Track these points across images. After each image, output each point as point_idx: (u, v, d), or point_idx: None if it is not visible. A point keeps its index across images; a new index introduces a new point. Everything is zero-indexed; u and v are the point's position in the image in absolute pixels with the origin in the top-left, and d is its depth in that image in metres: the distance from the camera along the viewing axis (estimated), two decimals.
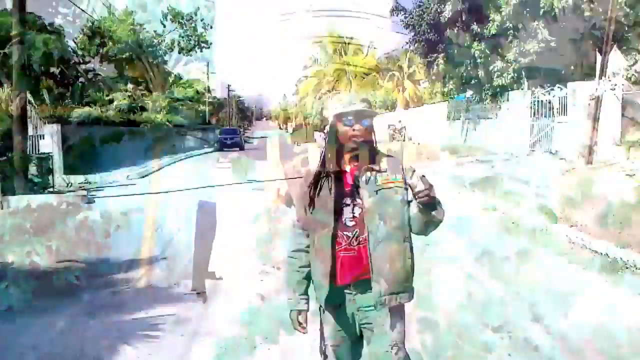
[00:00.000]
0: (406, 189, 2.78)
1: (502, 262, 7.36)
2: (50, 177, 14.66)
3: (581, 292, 6.32)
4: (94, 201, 13.71)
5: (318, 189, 2.82)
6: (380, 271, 2.73)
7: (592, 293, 6.30)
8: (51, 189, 14.55)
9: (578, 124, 15.12)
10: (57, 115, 18.82)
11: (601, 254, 7.61)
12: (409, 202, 2.80)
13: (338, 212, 2.76)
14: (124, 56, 41.48)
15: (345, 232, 2.76)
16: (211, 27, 43.80)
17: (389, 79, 54.24)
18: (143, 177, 20.25)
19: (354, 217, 2.76)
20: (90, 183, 17.57)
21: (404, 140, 32.72)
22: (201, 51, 44.56)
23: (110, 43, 41.68)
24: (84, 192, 14.06)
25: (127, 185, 17.57)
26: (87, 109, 25.20)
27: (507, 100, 20.60)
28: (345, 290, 2.82)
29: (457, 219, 8.49)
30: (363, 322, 2.85)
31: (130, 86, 39.00)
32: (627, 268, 6.99)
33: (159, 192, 15.53)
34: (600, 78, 11.12)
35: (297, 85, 75.01)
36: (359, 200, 2.76)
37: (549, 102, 17.86)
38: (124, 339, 4.98)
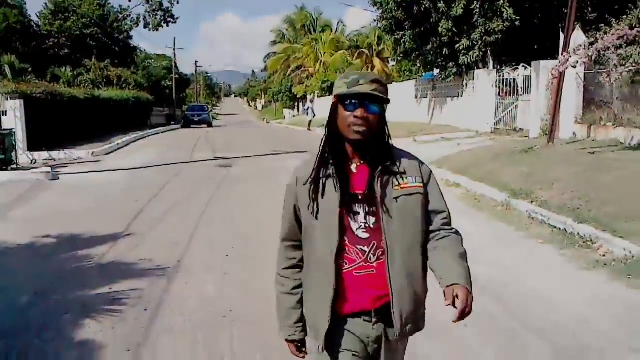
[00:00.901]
0: (425, 195, 2.25)
1: (463, 237, 7.57)
2: (13, 154, 14.43)
3: (536, 266, 6.54)
4: (59, 178, 13.56)
5: (319, 187, 2.20)
6: (403, 294, 2.18)
7: (547, 266, 6.52)
8: (14, 166, 14.34)
9: (540, 102, 15.40)
10: (21, 91, 18.40)
11: (559, 229, 7.84)
12: (426, 212, 2.27)
13: (346, 221, 2.17)
14: (88, 32, 40.73)
15: (359, 246, 2.18)
16: (177, 2, 43.12)
17: (357, 57, 54.29)
18: (108, 154, 20.06)
19: (367, 227, 2.18)
20: (54, 160, 17.35)
21: None
22: (167, 26, 43.87)
23: (74, 18, 40.90)
24: (48, 169, 13.90)
25: (92, 162, 17.40)
26: (50, 84, 24.78)
27: (473, 79, 20.83)
28: (364, 318, 2.21)
29: None
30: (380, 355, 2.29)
31: (94, 61, 38.35)
32: (584, 242, 7.22)
33: (123, 169, 15.42)
34: (562, 55, 11.31)
35: (265, 62, 74.66)
36: (373, 208, 2.17)
37: (514, 81, 18.11)
38: (87, 313, 5.01)
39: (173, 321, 4.88)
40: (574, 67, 11.10)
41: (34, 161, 16.31)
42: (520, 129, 17.71)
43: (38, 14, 42.41)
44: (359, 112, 2.13)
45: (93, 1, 42.52)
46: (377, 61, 53.63)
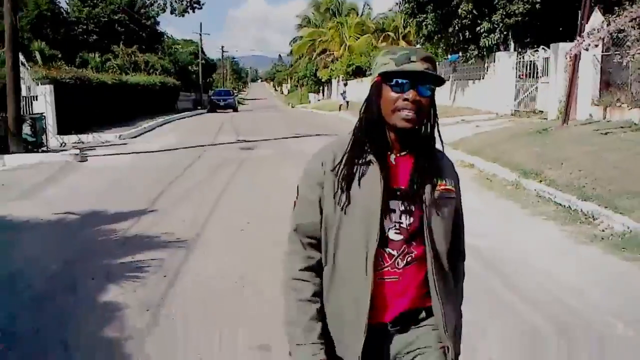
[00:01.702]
0: (457, 201, 2.00)
1: (471, 214, 7.89)
2: (44, 137, 15.06)
3: (537, 241, 6.84)
4: (87, 159, 14.14)
5: (353, 175, 1.85)
6: (445, 301, 1.91)
7: (547, 241, 6.82)
8: (45, 149, 14.96)
9: (559, 84, 15.51)
10: (51, 76, 19.03)
11: (564, 206, 8.10)
12: (457, 216, 2.01)
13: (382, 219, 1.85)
14: (116, 18, 41.41)
15: (387, 249, 1.86)
16: None
17: (383, 40, 54.26)
18: (134, 137, 20.65)
19: (401, 228, 1.87)
20: (83, 143, 17.97)
21: None
22: (194, 12, 44.29)
23: (103, 4, 41.58)
24: (77, 151, 14.50)
25: (119, 144, 17.99)
26: (79, 70, 25.46)
27: (494, 61, 20.92)
28: (382, 331, 1.91)
29: None
30: None
31: (122, 47, 39.03)
32: (586, 219, 7.49)
33: (149, 152, 15.95)
34: (577, 38, 11.46)
35: (291, 46, 74.90)
36: (412, 207, 1.86)
37: (533, 63, 18.20)
38: (112, 278, 5.47)
39: (189, 286, 5.32)
40: (587, 49, 11.23)
41: (63, 144, 16.94)
42: (540, 110, 17.82)
43: (67, 1, 43.21)
44: (410, 95, 1.79)
45: None
46: (402, 44, 53.48)
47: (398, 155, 1.90)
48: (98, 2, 41.77)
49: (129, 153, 15.62)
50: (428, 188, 1.87)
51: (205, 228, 7.42)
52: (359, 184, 1.83)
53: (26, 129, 14.22)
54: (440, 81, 1.85)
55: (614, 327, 4.38)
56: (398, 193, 1.86)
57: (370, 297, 1.83)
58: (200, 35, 55.75)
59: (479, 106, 21.72)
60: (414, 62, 1.79)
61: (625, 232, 6.67)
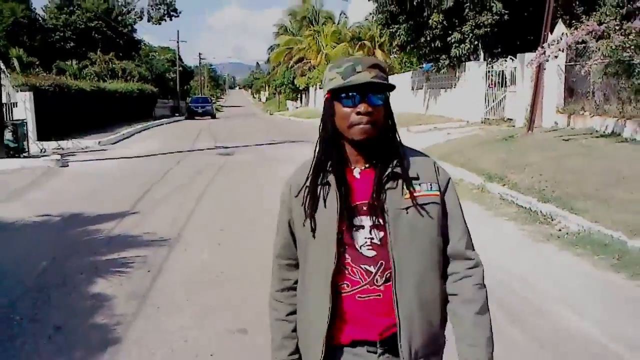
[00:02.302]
0: (442, 206, 1.86)
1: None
2: (25, 143, 15.30)
3: (498, 239, 7.34)
4: (68, 165, 14.42)
5: (317, 198, 1.83)
6: (412, 323, 1.80)
7: (506, 240, 7.32)
8: (26, 154, 15.20)
9: (525, 93, 16.16)
10: (30, 83, 19.26)
11: (525, 208, 8.63)
12: (445, 224, 1.88)
13: (347, 237, 1.81)
14: (93, 25, 41.55)
15: (363, 266, 1.81)
16: None
17: (359, 48, 54.92)
18: (114, 143, 20.92)
19: (373, 244, 1.81)
20: (63, 149, 18.20)
21: None
22: (170, 19, 44.71)
23: (79, 11, 41.71)
24: (58, 157, 14.78)
25: (98, 150, 18.26)
26: (58, 77, 25.64)
27: (464, 70, 21.58)
28: (367, 349, 1.84)
29: None
30: None
31: (99, 54, 39.18)
32: (544, 219, 8.01)
33: (128, 157, 16.27)
34: (538, 49, 12.09)
35: (269, 54, 75.35)
36: (380, 221, 1.80)
37: (502, 73, 18.88)
38: (99, 273, 5.86)
39: (172, 280, 5.72)
40: (547, 60, 11.85)
41: (43, 150, 17.16)
42: (509, 118, 18.47)
43: (44, 8, 43.29)
44: (361, 107, 1.73)
45: None
46: (379, 53, 54.12)
47: (362, 168, 1.84)
48: (75, 9, 41.92)
49: (109, 159, 15.93)
50: (392, 197, 1.78)
51: (185, 228, 7.82)
52: (325, 206, 1.81)
53: (8, 135, 14.48)
54: (390, 87, 1.78)
55: (561, 313, 4.87)
56: (364, 208, 1.80)
57: (347, 317, 1.81)
58: (178, 42, 56.01)
59: (451, 114, 22.37)
60: (359, 72, 1.74)
61: (580, 231, 7.19)
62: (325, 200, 1.81)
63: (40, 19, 41.79)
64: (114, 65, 39.09)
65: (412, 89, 28.14)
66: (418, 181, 1.82)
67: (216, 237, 7.38)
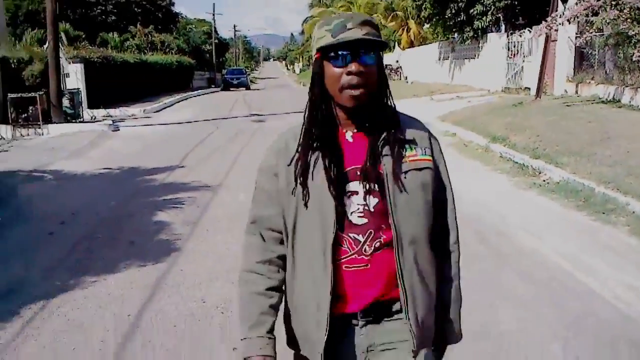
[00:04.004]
0: (435, 171, 1.79)
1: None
2: (80, 110, 17.01)
3: (490, 188, 8.65)
4: (119, 129, 16.09)
5: (308, 165, 1.71)
6: (415, 292, 1.73)
7: (497, 188, 8.63)
8: (81, 120, 16.92)
9: (538, 63, 17.19)
10: (81, 56, 20.94)
11: (519, 163, 9.90)
12: (437, 190, 1.81)
13: (341, 203, 1.69)
14: None
15: (352, 234, 1.70)
16: None
17: (392, 19, 55.59)
18: (157, 111, 22.59)
19: (365, 211, 1.70)
20: (111, 116, 19.89)
21: (399, 80, 34.75)
22: None
23: None
24: (110, 122, 16.46)
25: (144, 117, 19.94)
26: (103, 49, 27.36)
27: (486, 42, 22.58)
28: (352, 322, 1.75)
29: None
30: None
31: (139, 27, 40.78)
32: (533, 172, 9.28)
33: (172, 123, 17.88)
34: (544, 21, 13.16)
35: (303, 25, 76.30)
36: (375, 186, 1.69)
37: (520, 44, 19.87)
38: (159, 208, 7.41)
39: (216, 212, 7.24)
40: (548, 33, 12.94)
41: (93, 117, 18.86)
42: (526, 87, 19.48)
43: None
44: (353, 67, 1.62)
45: None
46: (412, 23, 54.73)
47: (355, 131, 1.74)
48: None
49: (155, 124, 17.60)
50: (389, 162, 1.69)
51: (226, 177, 9.34)
52: (315, 173, 1.69)
53: (65, 102, 16.21)
54: (383, 45, 1.70)
55: (524, 238, 6.22)
56: (358, 173, 1.69)
57: (335, 288, 1.70)
58: (214, 15, 57.47)
59: (474, 83, 23.45)
60: (350, 29, 1.61)
61: (560, 182, 8.45)
62: (317, 167, 1.69)
63: None
64: (153, 38, 40.68)
65: (439, 59, 29.19)
66: (414, 145, 1.75)
67: (250, 184, 8.84)
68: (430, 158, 1.78)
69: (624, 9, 11.45)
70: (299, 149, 1.74)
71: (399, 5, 56.68)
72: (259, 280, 1.79)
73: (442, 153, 1.86)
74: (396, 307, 1.74)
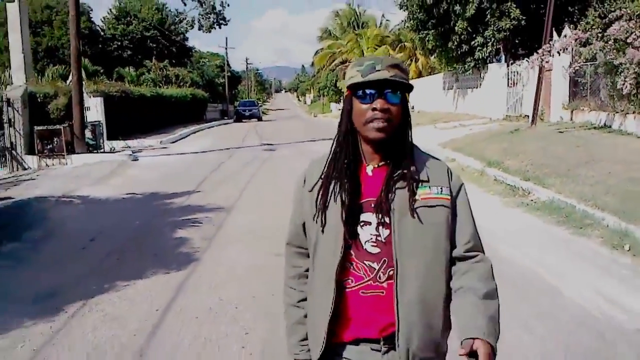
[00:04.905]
0: (452, 210, 1.87)
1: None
2: (101, 141, 18.02)
3: (481, 207, 9.38)
4: (138, 159, 17.04)
5: (329, 193, 1.86)
6: (412, 325, 1.78)
7: (488, 207, 9.38)
8: (102, 150, 17.91)
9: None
10: (100, 90, 22.04)
11: (511, 185, 10.66)
12: (451, 232, 1.87)
13: (353, 232, 1.81)
14: (148, 34, 44.69)
15: (367, 262, 1.81)
16: (228, 5, 46.54)
17: (399, 50, 56.75)
18: (173, 142, 23.58)
19: (378, 241, 1.81)
20: (129, 147, 20.87)
21: None
22: (219, 28, 47.40)
23: (136, 22, 44.93)
24: (130, 152, 17.44)
25: (161, 148, 20.92)
26: (121, 83, 28.55)
27: (487, 71, 23.49)
28: (371, 347, 1.83)
29: None
30: None
31: (154, 62, 42.14)
32: (523, 193, 10.03)
33: (188, 153, 18.82)
34: (537, 52, 14.04)
35: (313, 58, 77.86)
36: (386, 219, 1.80)
37: (519, 73, 20.76)
38: (178, 227, 8.24)
39: (230, 230, 8.05)
40: (547, 62, 13.80)
41: (113, 148, 19.84)
42: (526, 115, 20.28)
43: (103, 20, 46.73)
44: (378, 104, 1.77)
45: (152, 6, 46.64)
46: (419, 54, 55.89)
47: (376, 166, 1.86)
48: (131, 19, 45.19)
49: (172, 154, 18.58)
50: (400, 197, 1.80)
51: (239, 200, 10.18)
52: (335, 201, 1.83)
53: (88, 134, 17.22)
54: (408, 87, 1.82)
55: (504, 249, 6.96)
56: (372, 205, 1.81)
57: (350, 312, 1.82)
58: (227, 49, 59.08)
59: (476, 112, 24.32)
60: (379, 70, 1.77)
61: (546, 201, 9.20)
62: (335, 196, 1.84)
63: (99, 29, 45.17)
64: (168, 72, 41.99)
65: (444, 89, 30.16)
66: (428, 183, 1.83)
67: (262, 207, 9.68)
68: (448, 197, 1.85)
69: (609, 40, 12.30)
70: (322, 178, 1.90)
71: (407, 37, 57.99)
72: (292, 294, 2.05)
73: (466, 195, 1.94)
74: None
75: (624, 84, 11.87)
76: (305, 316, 2.00)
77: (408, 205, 1.79)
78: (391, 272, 1.78)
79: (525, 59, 20.05)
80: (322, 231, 1.86)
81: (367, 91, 1.79)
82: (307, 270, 2.00)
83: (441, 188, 1.85)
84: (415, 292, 1.77)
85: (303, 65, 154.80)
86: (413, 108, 35.35)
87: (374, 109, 1.78)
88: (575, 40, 12.48)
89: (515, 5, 20.69)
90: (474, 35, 22.54)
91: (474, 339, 1.69)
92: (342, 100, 64.91)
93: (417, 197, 1.80)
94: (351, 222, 1.81)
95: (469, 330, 1.73)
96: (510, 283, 5.60)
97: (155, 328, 4.76)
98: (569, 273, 5.94)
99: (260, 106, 62.18)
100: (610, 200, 8.17)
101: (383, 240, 1.80)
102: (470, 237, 1.91)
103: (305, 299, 2.01)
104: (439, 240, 1.82)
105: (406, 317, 1.77)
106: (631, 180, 8.87)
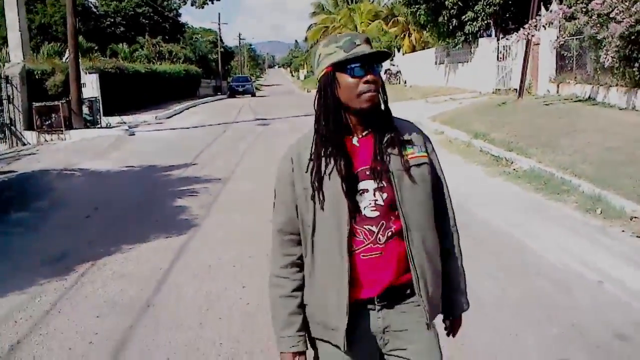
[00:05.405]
0: (431, 165, 2.03)
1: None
2: (98, 117, 18.36)
3: (465, 176, 9.85)
4: (134, 134, 17.41)
5: (322, 171, 1.91)
6: (424, 271, 1.94)
7: (470, 176, 9.84)
8: (99, 126, 18.27)
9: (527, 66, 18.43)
10: (96, 67, 22.29)
11: (495, 156, 11.11)
12: (434, 182, 2.05)
13: (354, 202, 1.89)
14: (140, 10, 44.65)
15: (366, 226, 1.90)
16: None
17: (393, 25, 56.75)
18: (168, 117, 23.91)
19: (377, 205, 1.91)
20: (125, 122, 21.18)
21: (399, 84, 36.01)
22: (212, 3, 47.42)
23: None
24: (126, 127, 17.80)
25: (156, 123, 21.27)
26: (115, 60, 28.76)
27: (478, 46, 23.82)
28: (369, 307, 1.95)
29: None
30: (394, 350, 1.99)
31: (147, 38, 42.19)
32: (506, 163, 10.48)
33: (183, 128, 19.20)
34: (523, 27, 14.41)
35: (306, 33, 77.68)
36: (383, 183, 1.90)
37: (509, 48, 21.10)
38: (177, 196, 8.69)
39: (227, 198, 8.51)
40: (533, 36, 14.17)
41: (109, 124, 20.11)
42: (515, 89, 20.68)
43: None
44: (369, 77, 1.86)
45: None
46: (412, 28, 55.86)
47: (361, 136, 1.95)
48: None
49: (168, 129, 18.96)
50: (394, 160, 1.91)
51: (234, 171, 10.62)
52: (329, 177, 1.89)
53: (85, 110, 17.57)
54: (387, 55, 1.95)
55: (481, 212, 7.42)
56: (367, 173, 1.90)
57: (353, 276, 1.89)
58: (219, 25, 59.00)
59: (467, 86, 24.69)
60: (359, 45, 1.87)
61: (527, 170, 9.66)
62: (331, 171, 1.89)
63: (92, 6, 45.07)
64: (161, 48, 42.06)
65: (436, 63, 30.47)
66: (411, 145, 1.97)
67: (256, 176, 10.12)
68: (426, 154, 2.00)
69: (593, 15, 12.66)
70: (312, 157, 1.93)
71: (400, 12, 57.95)
72: (286, 284, 2.02)
73: (434, 150, 2.08)
74: (407, 291, 1.95)
75: (606, 57, 12.25)
76: (299, 306, 2.02)
77: (402, 166, 1.91)
78: (389, 233, 1.90)
79: (515, 33, 20.40)
80: (322, 208, 1.90)
81: (355, 65, 1.86)
82: (299, 259, 2.02)
83: (420, 147, 2.00)
84: (420, 244, 1.92)
85: (296, 41, 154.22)
86: (405, 83, 35.68)
87: (366, 82, 1.86)
88: (562, 14, 12.83)
89: None
90: (465, 10, 22.82)
91: (454, 319, 2.16)
92: None
93: (406, 157, 1.93)
94: (351, 193, 1.88)
95: (455, 308, 2.15)
96: (483, 242, 6.09)
97: (160, 284, 5.23)
98: (541, 233, 6.41)
99: (254, 82, 62.21)
100: (587, 168, 8.64)
101: (381, 204, 1.90)
102: (447, 192, 2.16)
103: (300, 288, 2.02)
104: (427, 194, 1.98)
105: (420, 265, 1.91)
106: (608, 150, 9.34)
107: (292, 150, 2.02)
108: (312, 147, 1.95)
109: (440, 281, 2.03)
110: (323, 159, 1.91)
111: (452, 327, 2.18)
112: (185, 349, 3.98)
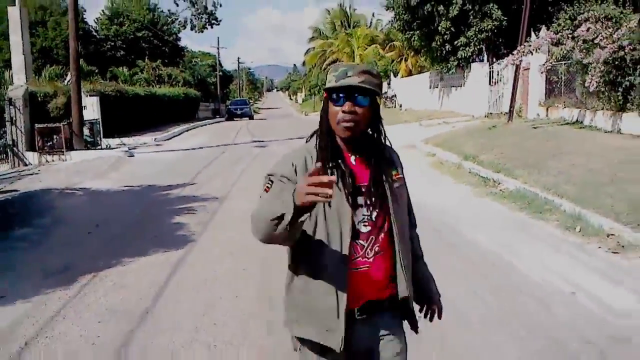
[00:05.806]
0: (405, 184, 2.28)
1: (419, 186, 11.27)
2: (98, 139, 18.76)
3: (453, 197, 10.20)
4: (134, 155, 17.79)
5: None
6: (407, 270, 2.17)
7: (459, 196, 10.18)
8: (99, 147, 18.66)
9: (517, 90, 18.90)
10: (96, 90, 22.74)
11: (483, 177, 11.46)
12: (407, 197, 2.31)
13: (354, 214, 2.05)
14: (140, 35, 45.32)
15: (359, 240, 2.06)
16: (220, 5, 47.13)
17: (389, 49, 57.45)
18: (167, 139, 24.33)
19: (369, 221, 2.08)
20: (125, 144, 21.58)
21: (394, 107, 36.57)
22: (211, 27, 48.04)
23: (128, 22, 45.55)
24: (126, 148, 18.20)
25: (155, 145, 21.67)
26: (115, 83, 29.25)
27: (470, 71, 24.36)
28: (357, 316, 2.10)
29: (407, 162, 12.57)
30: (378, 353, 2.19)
31: (147, 61, 42.76)
32: (493, 184, 10.83)
33: (182, 149, 19.57)
34: (512, 53, 14.88)
35: (305, 57, 78.53)
36: (373, 200, 2.07)
37: (500, 73, 21.62)
38: (176, 214, 9.01)
39: (223, 216, 8.83)
40: (520, 61, 14.64)
41: (108, 145, 20.51)
42: (506, 112, 21.15)
43: (96, 20, 47.31)
44: (346, 107, 1.99)
45: (144, 7, 47.30)
46: (410, 53, 56.51)
47: (356, 157, 2.11)
48: (124, 20, 45.80)
49: (166, 151, 19.36)
50: (389, 180, 2.13)
51: (230, 191, 10.96)
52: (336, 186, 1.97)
53: (86, 132, 17.97)
54: (374, 92, 2.05)
55: (467, 231, 7.76)
56: (363, 190, 2.07)
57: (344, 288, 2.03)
58: (218, 49, 59.78)
59: (460, 110, 25.22)
60: (350, 77, 1.99)
61: (513, 190, 10.01)
62: (341, 183, 2.03)
63: (92, 30, 45.75)
64: (160, 72, 42.64)
65: (430, 87, 31.05)
66: (394, 166, 2.21)
67: (252, 195, 10.42)
68: (402, 175, 2.24)
69: (579, 41, 13.14)
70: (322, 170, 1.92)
71: (397, 36, 58.64)
72: (271, 197, 2.07)
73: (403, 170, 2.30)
74: (385, 305, 2.13)
75: (591, 82, 12.68)
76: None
77: (392, 185, 2.13)
78: (377, 248, 2.07)
79: (506, 58, 20.94)
80: (324, 217, 2.03)
81: (339, 94, 2.02)
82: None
83: (399, 168, 2.23)
84: (404, 251, 2.15)
85: (295, 65, 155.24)
86: (401, 106, 36.22)
87: (343, 111, 2.00)
88: (550, 40, 13.30)
89: (497, 7, 21.58)
90: (458, 35, 23.38)
91: (434, 305, 2.41)
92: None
93: (395, 178, 2.16)
94: (353, 206, 2.03)
95: (433, 294, 2.43)
96: (469, 261, 6.40)
97: (158, 295, 5.54)
98: (523, 251, 6.73)
99: (252, 105, 62.78)
100: (570, 188, 8.98)
101: (373, 220, 2.07)
102: (411, 206, 2.40)
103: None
104: (405, 208, 2.24)
105: (407, 272, 2.15)
106: (590, 171, 9.70)
107: (295, 154, 2.14)
108: (316, 158, 2.08)
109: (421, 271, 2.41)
110: (329, 170, 2.04)
111: (438, 311, 2.42)
112: (182, 350, 4.29)
